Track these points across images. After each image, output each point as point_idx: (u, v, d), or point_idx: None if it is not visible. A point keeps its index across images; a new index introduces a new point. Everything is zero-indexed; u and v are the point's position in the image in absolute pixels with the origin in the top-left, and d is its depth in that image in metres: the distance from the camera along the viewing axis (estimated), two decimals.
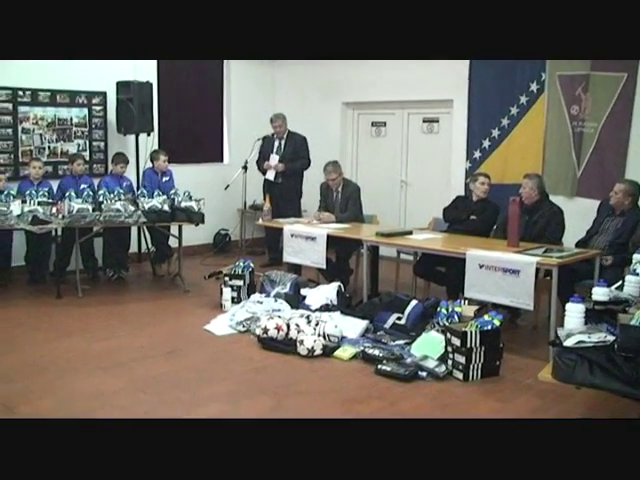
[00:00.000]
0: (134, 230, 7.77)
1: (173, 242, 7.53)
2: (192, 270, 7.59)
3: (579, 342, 2.80)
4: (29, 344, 5.26)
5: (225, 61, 9.28)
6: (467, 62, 7.74)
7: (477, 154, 7.83)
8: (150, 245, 7.88)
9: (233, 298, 6.26)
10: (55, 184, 7.26)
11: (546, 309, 5.90)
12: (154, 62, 8.24)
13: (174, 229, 7.35)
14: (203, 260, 8.35)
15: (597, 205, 6.27)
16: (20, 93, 7.33)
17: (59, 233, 6.66)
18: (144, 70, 8.03)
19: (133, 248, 7.99)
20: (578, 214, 6.38)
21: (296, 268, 6.92)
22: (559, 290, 5.07)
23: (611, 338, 2.81)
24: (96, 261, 7.51)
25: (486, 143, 7.75)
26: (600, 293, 3.32)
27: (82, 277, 6.95)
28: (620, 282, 3.71)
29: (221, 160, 9.43)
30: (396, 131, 8.83)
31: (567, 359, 2.84)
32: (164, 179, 7.71)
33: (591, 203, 6.68)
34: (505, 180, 7.33)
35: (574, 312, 3.11)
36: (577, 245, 5.83)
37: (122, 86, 7.72)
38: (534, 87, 7.30)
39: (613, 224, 5.81)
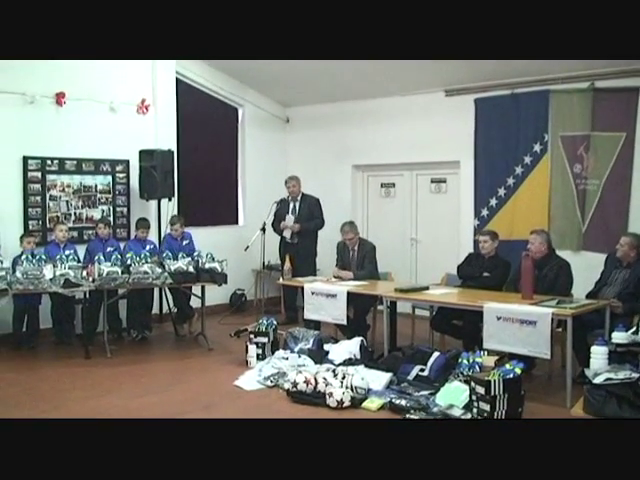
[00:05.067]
0: (156, 291, 8.03)
1: (193, 302, 7.80)
2: (212, 329, 7.84)
3: (607, 379, 3.10)
4: (71, 402, 5.46)
5: (239, 126, 9.74)
6: (472, 125, 8.16)
7: (485, 212, 8.17)
8: (172, 306, 8.13)
9: (258, 355, 6.48)
10: (80, 248, 7.56)
11: (558, 359, 6.17)
12: (174, 130, 8.64)
13: (196, 289, 7.61)
14: (222, 319, 8.59)
15: (602, 258, 6.57)
16: (48, 162, 7.69)
17: (87, 296, 6.96)
18: (165, 138, 8.42)
19: (155, 309, 8.24)
20: (584, 267, 6.68)
21: (315, 325, 7.15)
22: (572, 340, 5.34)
23: (636, 375, 3.10)
24: (121, 322, 7.76)
25: (493, 201, 8.10)
26: (620, 337, 3.62)
27: (108, 338, 7.16)
28: (635, 328, 3.98)
29: (236, 222, 9.79)
30: (405, 191, 9.20)
31: (597, 395, 3.13)
32: (184, 242, 8.02)
33: (596, 256, 7.00)
34: (513, 236, 7.65)
35: (599, 354, 3.41)
36: (587, 297, 6.09)
37: (145, 154, 8.07)
38: (537, 148, 7.69)
39: (621, 275, 6.10)
